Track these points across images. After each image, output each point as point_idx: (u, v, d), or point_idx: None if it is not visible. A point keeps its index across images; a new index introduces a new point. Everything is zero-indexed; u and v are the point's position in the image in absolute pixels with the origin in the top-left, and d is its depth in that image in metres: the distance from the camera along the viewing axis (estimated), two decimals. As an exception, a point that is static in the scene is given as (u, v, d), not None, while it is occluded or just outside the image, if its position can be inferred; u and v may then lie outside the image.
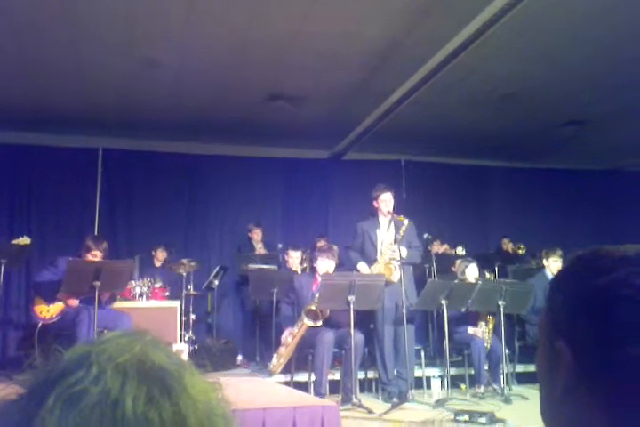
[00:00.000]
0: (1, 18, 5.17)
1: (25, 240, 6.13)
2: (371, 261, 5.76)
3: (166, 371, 0.60)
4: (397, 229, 5.70)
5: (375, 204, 5.87)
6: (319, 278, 5.54)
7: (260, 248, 7.91)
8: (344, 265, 7.18)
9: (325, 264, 5.73)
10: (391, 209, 5.80)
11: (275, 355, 5.74)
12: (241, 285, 7.84)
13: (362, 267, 5.75)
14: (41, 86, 6.66)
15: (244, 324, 7.98)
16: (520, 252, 8.39)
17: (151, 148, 8.30)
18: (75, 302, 5.57)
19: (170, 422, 0.57)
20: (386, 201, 5.80)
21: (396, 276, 5.54)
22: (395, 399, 5.43)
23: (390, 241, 5.67)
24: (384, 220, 5.87)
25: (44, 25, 5.32)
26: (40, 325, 5.81)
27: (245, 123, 7.84)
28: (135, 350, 0.61)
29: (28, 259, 6.87)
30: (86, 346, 0.62)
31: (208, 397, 0.62)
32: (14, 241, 6.14)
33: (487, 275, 6.74)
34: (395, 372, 5.73)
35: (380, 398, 5.71)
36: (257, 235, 7.97)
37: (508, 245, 8.72)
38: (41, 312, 5.78)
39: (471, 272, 6.33)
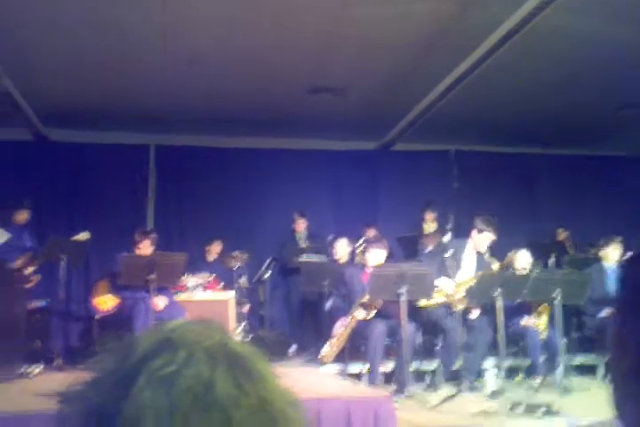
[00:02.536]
0: (50, 20, 5.33)
1: (85, 235, 6.31)
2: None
3: (246, 358, 0.62)
4: (480, 265, 5.74)
5: (476, 233, 5.78)
6: (369, 270, 5.53)
7: (301, 240, 7.91)
8: (394, 257, 7.14)
9: (376, 255, 5.71)
10: (484, 248, 5.79)
11: (326, 344, 5.77)
12: (290, 276, 7.87)
13: (441, 281, 5.64)
14: (93, 85, 6.83)
15: (296, 315, 8.03)
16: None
17: (200, 143, 8.42)
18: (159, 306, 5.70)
19: (257, 408, 0.59)
20: (488, 240, 5.76)
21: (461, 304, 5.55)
22: (450, 390, 5.40)
23: (468, 277, 5.66)
24: (471, 248, 5.82)
25: (92, 26, 5.46)
26: (99, 317, 6.01)
27: (291, 116, 7.86)
28: (217, 336, 0.63)
29: (86, 255, 7.06)
30: (162, 332, 0.64)
31: (280, 384, 0.64)
32: (74, 237, 6.34)
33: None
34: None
35: (434, 388, 5.68)
36: (300, 226, 7.97)
37: (562, 235, 8.51)
38: (99, 304, 5.98)
39: (522, 258, 6.18)
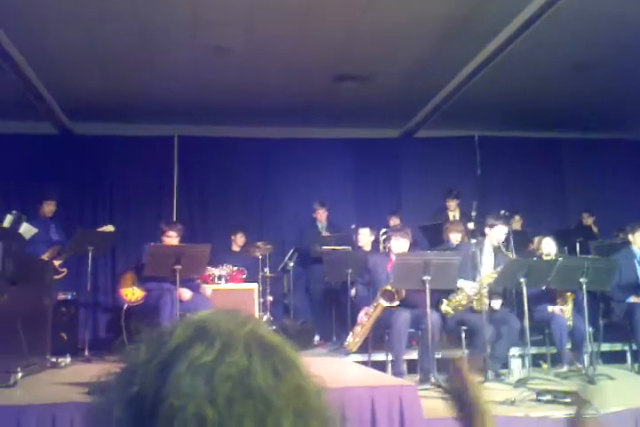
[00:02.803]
0: (72, 13, 5.36)
1: (109, 228, 6.40)
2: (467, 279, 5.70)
3: (279, 347, 0.64)
4: (498, 262, 5.68)
5: (489, 229, 5.79)
6: (394, 258, 5.52)
7: (323, 230, 7.92)
8: (418, 245, 7.11)
9: (399, 244, 5.70)
10: (501, 241, 5.76)
11: (350, 333, 5.78)
12: (312, 266, 7.87)
13: (462, 283, 5.61)
14: (115, 78, 6.88)
15: (319, 304, 8.05)
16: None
17: (223, 133, 8.45)
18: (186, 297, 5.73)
19: (293, 396, 0.60)
20: (502, 233, 5.75)
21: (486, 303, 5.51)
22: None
23: (489, 272, 5.61)
24: (489, 245, 5.81)
25: (114, 18, 5.48)
26: (126, 307, 6.08)
27: (314, 104, 7.85)
28: (248, 326, 0.64)
29: (112, 246, 7.16)
30: (194, 322, 0.65)
31: (310, 373, 0.65)
32: (99, 229, 6.42)
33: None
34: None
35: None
36: (320, 215, 7.99)
37: (588, 220, 8.40)
38: (126, 295, 6.04)
39: (547, 246, 6.13)
